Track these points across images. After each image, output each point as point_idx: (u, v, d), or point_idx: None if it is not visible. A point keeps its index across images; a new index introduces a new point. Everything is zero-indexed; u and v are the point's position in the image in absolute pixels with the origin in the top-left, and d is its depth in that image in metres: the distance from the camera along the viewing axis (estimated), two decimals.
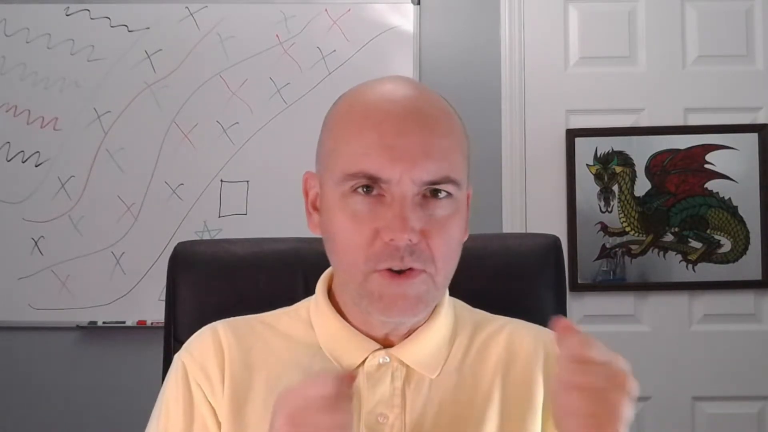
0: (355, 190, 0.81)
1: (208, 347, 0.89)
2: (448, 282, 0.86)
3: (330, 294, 0.92)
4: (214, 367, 0.87)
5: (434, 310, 0.90)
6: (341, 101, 0.87)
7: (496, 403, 0.87)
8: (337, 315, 0.89)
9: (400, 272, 0.80)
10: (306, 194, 0.90)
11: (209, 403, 0.86)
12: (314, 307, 0.92)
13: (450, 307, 0.93)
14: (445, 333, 0.90)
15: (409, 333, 0.88)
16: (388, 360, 0.86)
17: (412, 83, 0.88)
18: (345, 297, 0.88)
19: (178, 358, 0.90)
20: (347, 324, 0.88)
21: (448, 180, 0.81)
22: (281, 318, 0.93)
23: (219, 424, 0.86)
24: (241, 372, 0.87)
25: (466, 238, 0.88)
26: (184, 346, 0.91)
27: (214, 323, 0.92)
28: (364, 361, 0.87)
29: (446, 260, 0.82)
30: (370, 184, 0.80)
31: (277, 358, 0.88)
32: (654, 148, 2.36)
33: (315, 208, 0.88)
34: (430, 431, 0.85)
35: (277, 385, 0.86)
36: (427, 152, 0.80)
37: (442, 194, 0.81)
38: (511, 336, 0.92)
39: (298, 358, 0.88)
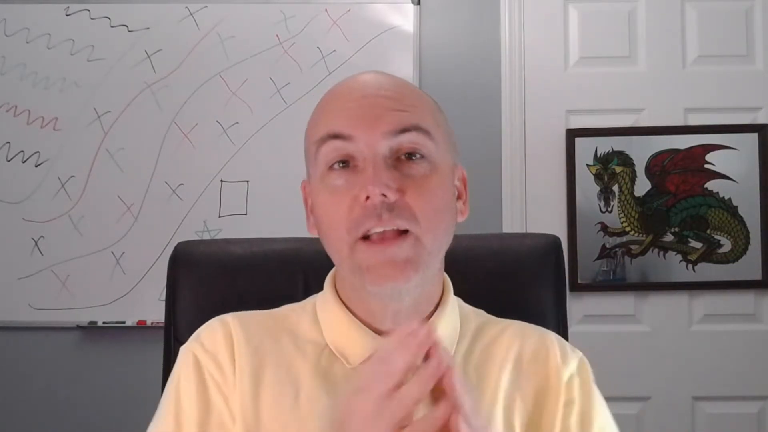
0: (331, 168, 0.82)
1: (218, 338, 0.88)
2: (440, 248, 0.84)
3: (337, 291, 0.92)
4: (226, 358, 0.87)
5: (439, 305, 0.89)
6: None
7: (500, 404, 0.87)
8: (344, 309, 0.88)
9: (383, 237, 0.79)
10: (305, 201, 0.91)
11: (223, 393, 0.85)
12: (321, 302, 0.92)
13: (455, 305, 0.92)
14: (452, 329, 0.90)
15: None
16: None
17: (383, 72, 0.89)
18: (347, 288, 0.88)
19: (188, 350, 0.89)
20: (354, 319, 0.87)
21: (416, 127, 0.81)
22: (288, 313, 0.94)
23: (232, 414, 0.85)
24: (251, 364, 0.86)
25: (465, 217, 0.89)
26: (193, 337, 0.90)
27: (222, 315, 0.91)
28: (370, 357, 0.86)
29: (430, 219, 0.81)
30: (344, 158, 0.81)
31: (284, 352, 0.88)
32: (654, 148, 2.36)
33: (312, 211, 0.89)
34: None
35: (286, 380, 0.86)
36: (390, 108, 0.81)
37: (417, 156, 0.82)
38: (516, 338, 0.91)
39: (305, 353, 0.88)
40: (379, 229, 0.79)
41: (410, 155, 0.81)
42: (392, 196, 0.78)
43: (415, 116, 0.82)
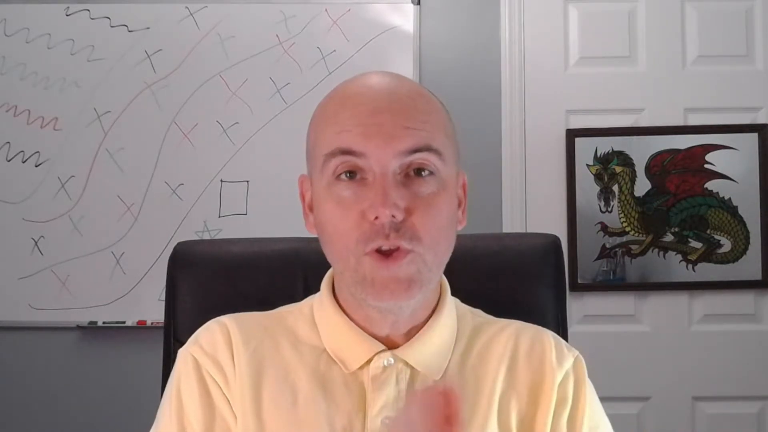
0: (338, 178, 0.81)
1: (217, 339, 0.88)
2: (441, 263, 0.85)
3: (333, 293, 0.91)
4: (226, 359, 0.86)
5: (436, 309, 0.89)
6: (322, 99, 0.88)
7: (496, 403, 0.86)
8: (342, 313, 0.88)
9: (389, 254, 0.79)
10: (302, 197, 0.90)
11: (225, 395, 0.85)
12: (318, 305, 0.92)
13: (452, 308, 0.92)
14: (449, 333, 0.90)
15: (411, 332, 0.88)
16: (393, 362, 0.86)
17: (391, 74, 0.88)
18: (345, 293, 0.88)
19: (187, 352, 0.88)
20: (351, 323, 0.87)
21: (428, 148, 0.81)
22: (285, 316, 0.93)
23: (235, 416, 0.85)
24: (250, 365, 0.86)
25: (464, 225, 0.89)
26: (191, 340, 0.90)
27: (219, 317, 0.91)
28: (368, 362, 0.86)
29: (434, 238, 0.81)
30: (352, 169, 0.81)
31: (282, 356, 0.88)
32: (654, 148, 2.36)
33: (311, 209, 0.88)
34: None
35: (284, 384, 0.85)
36: (403, 125, 0.80)
37: (426, 173, 0.81)
38: (512, 337, 0.91)
39: (302, 357, 0.88)
40: (386, 247, 0.79)
41: (419, 171, 0.81)
42: (400, 216, 0.79)
43: (427, 135, 0.81)
